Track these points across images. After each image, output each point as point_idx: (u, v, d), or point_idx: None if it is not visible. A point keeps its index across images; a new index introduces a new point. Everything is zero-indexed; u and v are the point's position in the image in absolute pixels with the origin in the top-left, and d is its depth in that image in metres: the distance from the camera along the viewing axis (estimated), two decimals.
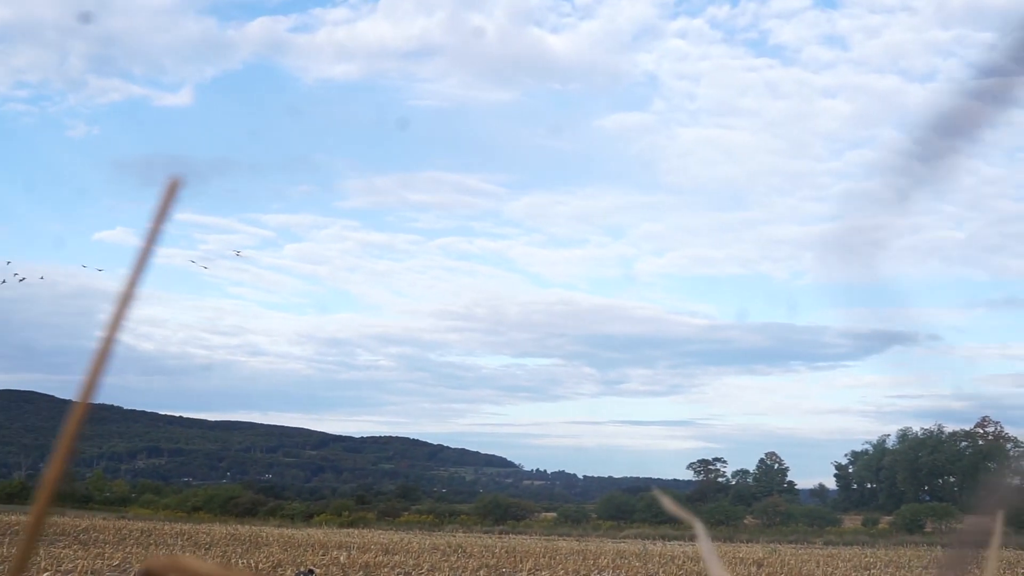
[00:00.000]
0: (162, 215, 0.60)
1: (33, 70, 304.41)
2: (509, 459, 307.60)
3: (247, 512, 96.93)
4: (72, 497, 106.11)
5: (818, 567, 44.16)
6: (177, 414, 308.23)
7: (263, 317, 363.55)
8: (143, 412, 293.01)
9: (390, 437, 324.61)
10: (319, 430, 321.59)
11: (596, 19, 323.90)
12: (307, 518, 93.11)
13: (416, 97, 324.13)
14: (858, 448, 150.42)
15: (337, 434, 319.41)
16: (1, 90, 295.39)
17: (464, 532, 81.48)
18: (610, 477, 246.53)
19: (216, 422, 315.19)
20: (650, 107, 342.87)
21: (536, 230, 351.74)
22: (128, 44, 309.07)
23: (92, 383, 0.53)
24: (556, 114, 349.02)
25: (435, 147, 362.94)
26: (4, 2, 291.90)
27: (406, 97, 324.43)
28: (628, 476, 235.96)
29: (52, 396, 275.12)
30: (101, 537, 47.97)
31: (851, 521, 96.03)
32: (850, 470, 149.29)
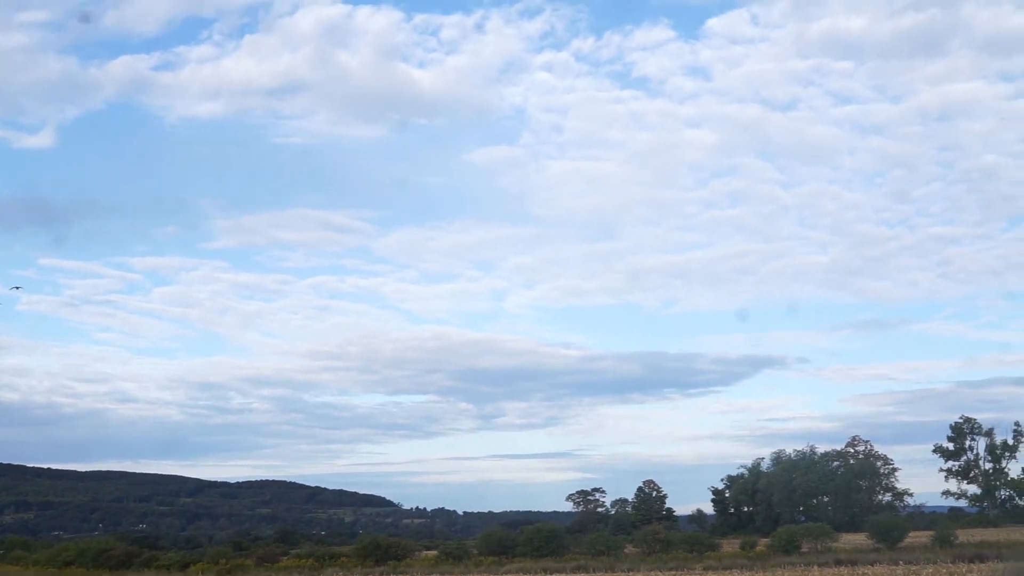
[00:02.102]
0: None
1: None
2: (388, 498, 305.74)
3: (121, 564, 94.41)
4: None
5: None
6: (45, 466, 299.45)
7: (131, 363, 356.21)
8: (9, 465, 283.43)
9: (266, 481, 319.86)
10: (193, 476, 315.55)
11: (462, 54, 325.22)
12: (183, 567, 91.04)
13: (283, 134, 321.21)
14: (734, 472, 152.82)
15: (212, 480, 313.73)
16: None
17: (344, 574, 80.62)
18: (490, 512, 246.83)
19: (86, 472, 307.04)
20: (518, 140, 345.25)
21: (407, 266, 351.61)
22: None
23: None
24: (424, 149, 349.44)
25: (303, 184, 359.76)
26: None
27: (272, 134, 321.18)
28: (508, 510, 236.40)
29: None
30: None
31: (729, 545, 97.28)
32: (727, 494, 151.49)
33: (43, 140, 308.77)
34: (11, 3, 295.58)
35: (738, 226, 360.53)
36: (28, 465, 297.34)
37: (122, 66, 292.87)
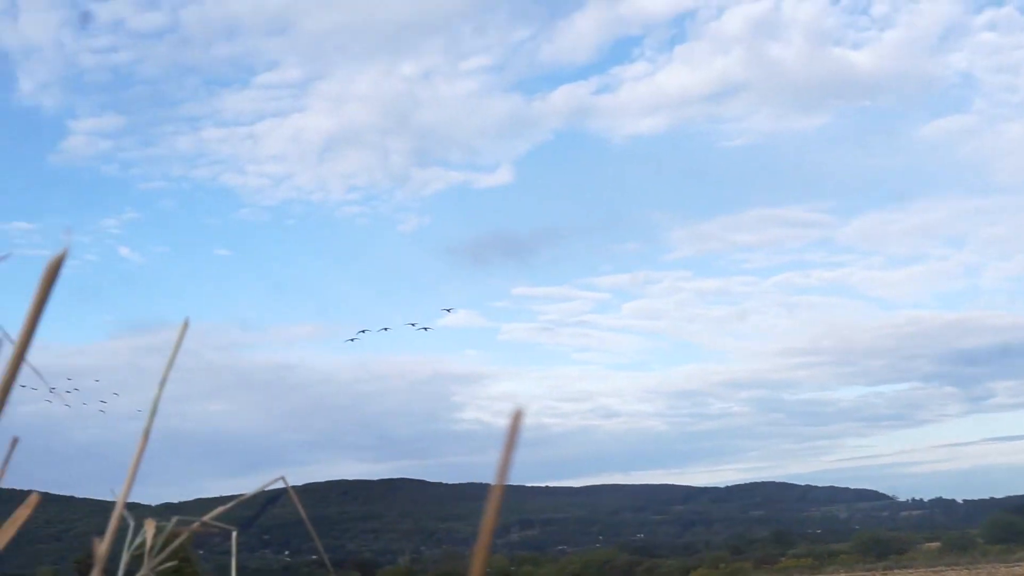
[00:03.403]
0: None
1: (360, 173, 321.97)
2: (882, 491, 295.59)
3: (624, 574, 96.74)
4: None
5: None
6: (543, 484, 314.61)
7: (610, 379, 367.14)
8: (511, 486, 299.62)
9: (756, 483, 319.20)
10: (684, 484, 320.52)
11: (897, 27, 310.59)
12: (684, 573, 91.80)
13: (727, 137, 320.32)
14: None
15: (702, 486, 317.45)
16: (335, 196, 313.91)
17: (846, 572, 78.24)
18: (991, 498, 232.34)
19: (581, 488, 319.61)
20: (970, 107, 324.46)
21: (872, 252, 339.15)
22: (442, 133, 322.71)
23: (505, 464, 0.56)
24: (872, 131, 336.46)
25: (754, 184, 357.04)
26: (327, 114, 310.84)
27: (715, 139, 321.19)
28: (1012, 495, 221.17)
29: (421, 480, 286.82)
30: None
31: None
32: None
33: (501, 177, 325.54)
34: (455, 54, 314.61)
35: None
36: (527, 485, 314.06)
37: (563, 95, 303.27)
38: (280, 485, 2.19)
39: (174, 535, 1.87)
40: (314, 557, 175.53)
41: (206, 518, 2.04)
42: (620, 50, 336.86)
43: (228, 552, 2.33)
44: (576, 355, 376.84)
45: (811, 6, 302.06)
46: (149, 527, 1.95)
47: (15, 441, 1.47)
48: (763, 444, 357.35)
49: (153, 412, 1.69)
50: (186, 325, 1.53)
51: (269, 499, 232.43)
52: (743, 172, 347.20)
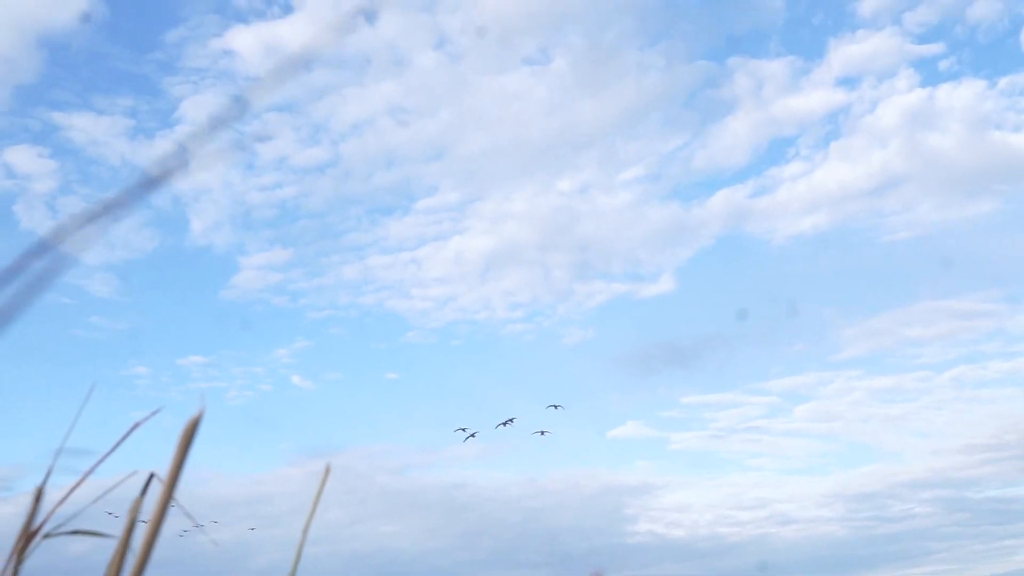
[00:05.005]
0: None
1: (523, 290, 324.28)
2: None
3: None
4: None
5: None
6: None
7: (785, 484, 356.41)
8: None
9: None
10: None
11: None
12: None
13: (890, 231, 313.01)
14: None
15: None
16: (500, 314, 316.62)
17: None
18: None
19: None
20: None
21: None
22: (602, 246, 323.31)
23: None
24: None
25: (922, 277, 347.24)
26: (487, 234, 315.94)
27: (879, 234, 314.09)
28: None
29: None
30: None
31: None
32: None
33: (663, 286, 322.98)
34: (611, 166, 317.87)
35: None
36: None
37: (721, 200, 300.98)
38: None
39: None
40: None
41: None
42: (775, 151, 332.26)
43: None
44: (749, 461, 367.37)
45: (967, 91, 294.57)
46: None
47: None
48: (949, 545, 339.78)
49: (298, 559, 1.71)
50: (328, 470, 1.54)
51: None
52: (909, 265, 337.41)
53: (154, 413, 1.23)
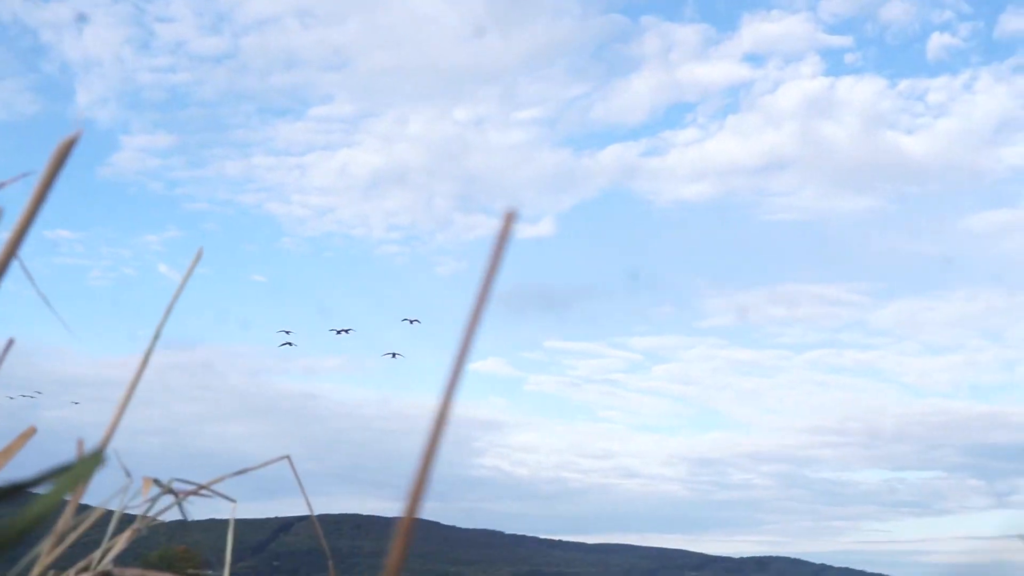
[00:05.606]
0: (500, 247, 0.64)
1: (403, 213, 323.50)
2: None
3: None
4: None
5: None
6: (557, 538, 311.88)
7: (634, 439, 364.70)
8: (523, 536, 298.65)
9: (770, 557, 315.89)
10: (698, 551, 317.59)
11: (951, 117, 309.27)
12: None
13: (770, 211, 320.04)
14: None
15: (716, 555, 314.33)
16: (377, 233, 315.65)
17: None
18: None
19: (594, 545, 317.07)
20: (1020, 203, 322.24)
21: (907, 338, 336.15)
22: (488, 181, 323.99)
23: (415, 503, 0.55)
24: (918, 218, 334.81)
25: (795, 260, 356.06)
26: (376, 152, 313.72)
27: (760, 212, 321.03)
28: None
29: (436, 522, 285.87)
30: None
31: None
32: None
33: (543, 229, 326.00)
34: (510, 104, 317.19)
35: None
36: (540, 536, 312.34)
37: (612, 155, 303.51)
38: (283, 462, 2.14)
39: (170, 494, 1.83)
40: None
41: (207, 483, 1.99)
42: (673, 115, 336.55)
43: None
44: (602, 412, 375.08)
45: (867, 88, 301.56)
46: (146, 484, 1.89)
47: (10, 342, 1.46)
48: (781, 518, 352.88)
49: (112, 431, 1.68)
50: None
51: (281, 526, 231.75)
52: (784, 246, 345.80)
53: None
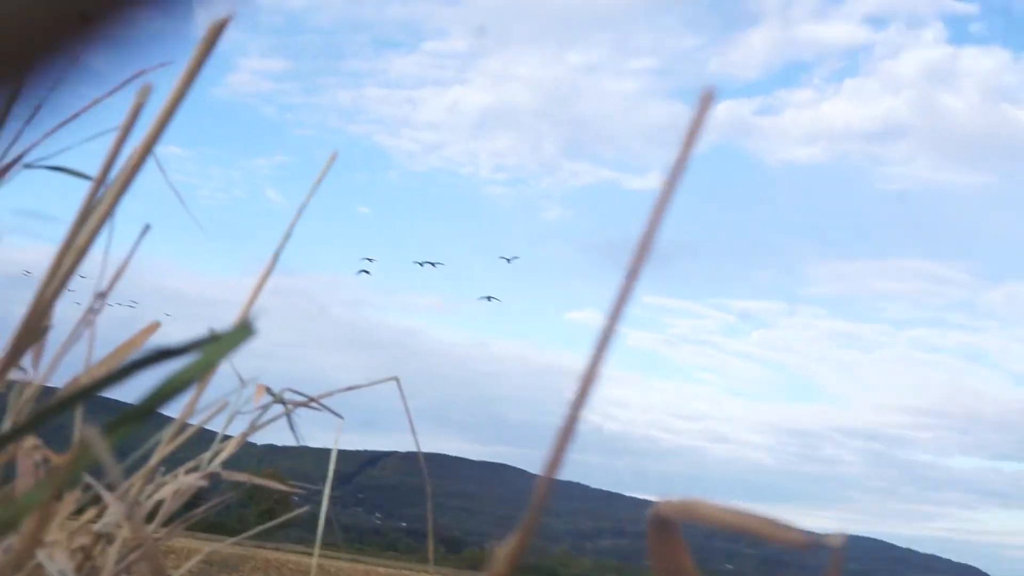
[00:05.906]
0: (695, 130, 0.61)
1: (510, 154, 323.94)
2: (983, 570, 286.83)
3: None
4: (537, 570, 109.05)
5: None
6: (641, 496, 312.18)
7: (727, 403, 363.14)
8: (608, 492, 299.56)
9: (855, 536, 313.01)
10: None
11: None
12: None
13: (882, 180, 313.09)
14: None
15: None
16: (484, 173, 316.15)
17: None
18: None
19: None
20: None
21: (1016, 323, 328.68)
22: (597, 128, 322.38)
23: (557, 459, 0.55)
24: None
25: (904, 233, 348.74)
26: (489, 90, 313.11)
27: (873, 180, 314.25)
28: None
29: (523, 470, 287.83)
30: None
31: None
32: None
33: (649, 182, 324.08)
34: (624, 52, 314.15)
35: None
36: (625, 494, 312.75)
37: (725, 111, 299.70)
38: (392, 384, 2.13)
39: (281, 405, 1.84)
40: (404, 524, 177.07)
41: (316, 397, 1.99)
42: (789, 74, 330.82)
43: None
44: (697, 373, 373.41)
45: (990, 60, 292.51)
46: (259, 391, 1.90)
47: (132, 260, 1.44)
48: (869, 498, 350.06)
49: (284, 243, 1.68)
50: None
51: (369, 459, 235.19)
52: (895, 217, 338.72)
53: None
